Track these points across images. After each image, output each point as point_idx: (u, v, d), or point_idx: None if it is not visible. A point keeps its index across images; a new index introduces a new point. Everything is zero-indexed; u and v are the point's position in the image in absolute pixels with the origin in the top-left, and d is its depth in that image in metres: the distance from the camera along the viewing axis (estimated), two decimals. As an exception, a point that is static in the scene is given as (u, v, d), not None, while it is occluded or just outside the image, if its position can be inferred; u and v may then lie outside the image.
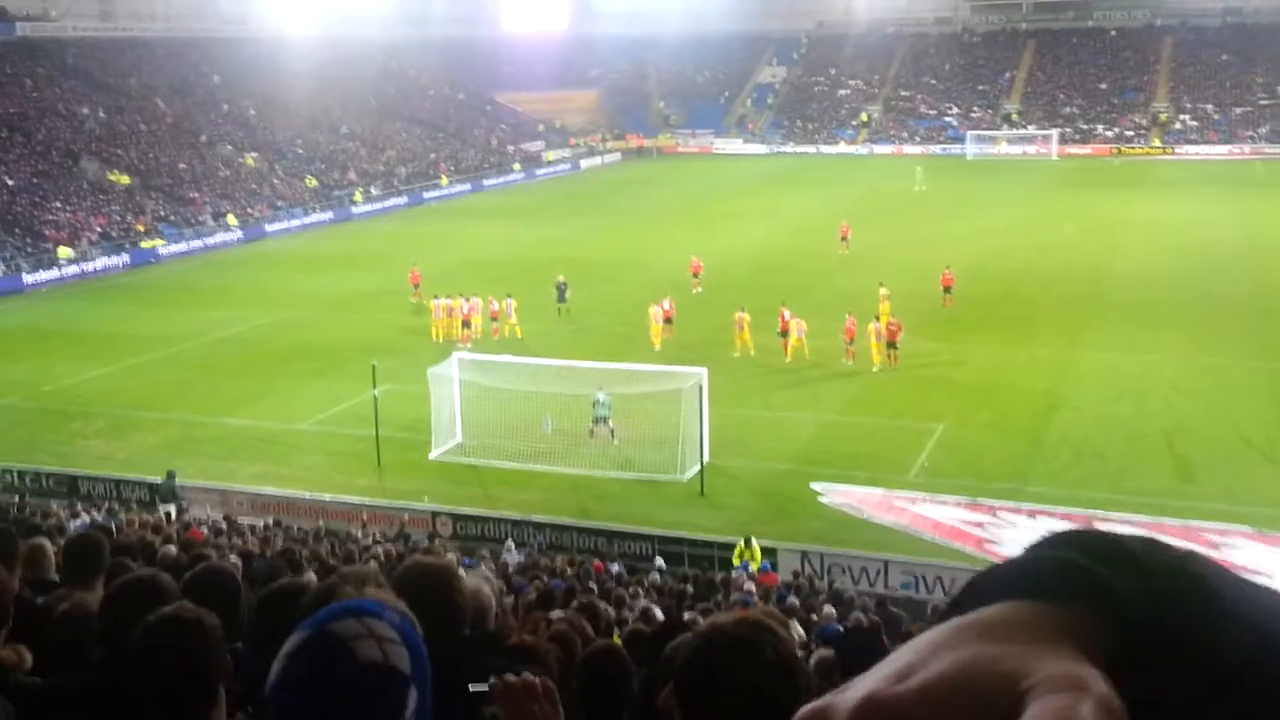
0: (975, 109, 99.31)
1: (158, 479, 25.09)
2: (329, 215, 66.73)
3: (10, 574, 5.76)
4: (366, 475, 26.63)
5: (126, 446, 28.87)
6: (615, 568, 20.03)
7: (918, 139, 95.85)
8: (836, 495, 24.63)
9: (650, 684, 4.98)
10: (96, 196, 59.49)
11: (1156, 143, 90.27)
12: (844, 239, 49.59)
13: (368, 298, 43.35)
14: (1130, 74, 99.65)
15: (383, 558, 16.67)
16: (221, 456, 27.88)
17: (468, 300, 36.95)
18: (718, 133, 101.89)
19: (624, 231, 58.04)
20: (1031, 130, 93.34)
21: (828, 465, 26.03)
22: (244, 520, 22.67)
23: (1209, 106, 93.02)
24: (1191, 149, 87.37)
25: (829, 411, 29.63)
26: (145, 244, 55.69)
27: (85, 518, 20.12)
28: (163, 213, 60.12)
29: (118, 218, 57.81)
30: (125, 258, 53.90)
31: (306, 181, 70.85)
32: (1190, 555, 0.74)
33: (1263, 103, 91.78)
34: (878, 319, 33.29)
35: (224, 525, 21.10)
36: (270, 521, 22.88)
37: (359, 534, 22.07)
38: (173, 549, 13.34)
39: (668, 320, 35.69)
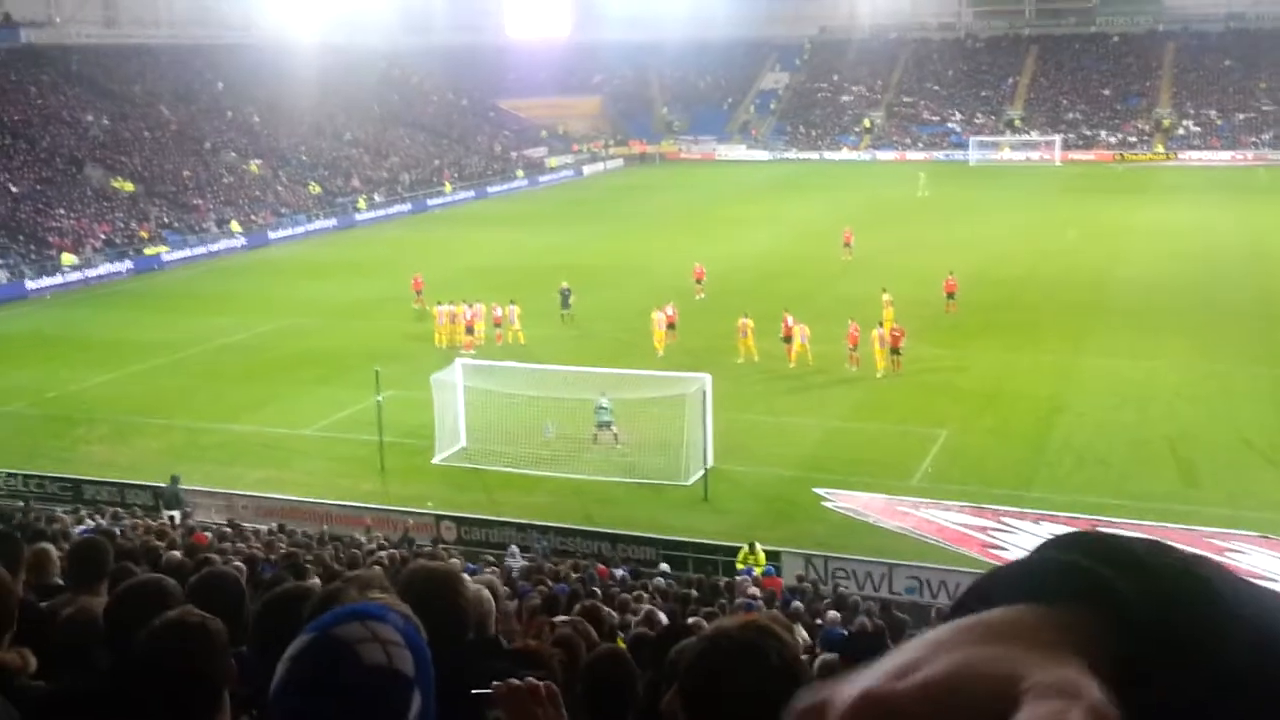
0: (978, 115, 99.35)
1: (162, 484, 25.12)
2: (333, 222, 66.80)
3: (14, 578, 5.77)
4: (370, 480, 26.66)
5: (130, 452, 28.90)
6: (619, 572, 20.01)
7: (921, 145, 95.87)
8: (840, 500, 24.62)
9: (654, 688, 4.98)
10: (100, 203, 59.56)
11: (1159, 148, 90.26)
12: (847, 245, 49.60)
13: (371, 304, 43.38)
14: (1133, 80, 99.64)
15: (387, 562, 16.66)
16: (225, 462, 27.91)
17: (471, 306, 36.98)
18: (721, 139, 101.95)
19: (627, 238, 58.07)
20: (1034, 136, 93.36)
21: (831, 470, 26.02)
22: (248, 525, 22.68)
23: (1212, 112, 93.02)
24: (1194, 155, 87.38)
25: (833, 417, 29.62)
26: (149, 250, 55.75)
27: (89, 523, 20.12)
28: (166, 219, 60.19)
29: (121, 224, 57.89)
30: (129, 264, 53.96)
31: (310, 188, 70.94)
32: (1196, 558, 0.73)
33: (1266, 108, 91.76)
34: (881, 325, 33.31)
35: (228, 530, 21.11)
36: (274, 526, 22.87)
37: (363, 539, 22.07)
38: (177, 554, 13.35)
39: (671, 326, 35.71)
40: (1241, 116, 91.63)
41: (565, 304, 39.14)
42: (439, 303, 37.79)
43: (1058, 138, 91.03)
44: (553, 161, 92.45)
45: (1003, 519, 23.34)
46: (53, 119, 67.32)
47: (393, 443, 27.06)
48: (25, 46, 73.42)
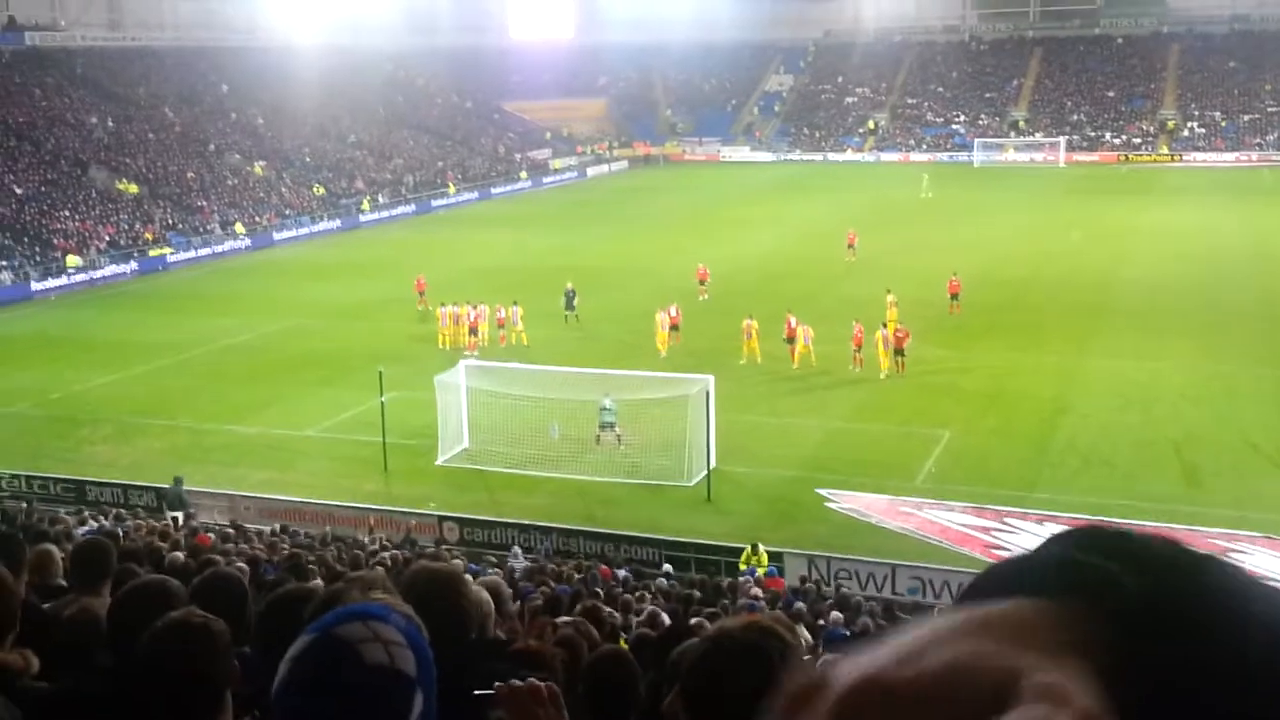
0: (983, 116, 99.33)
1: (165, 485, 25.14)
2: (337, 223, 66.85)
3: (16, 579, 5.78)
4: (373, 481, 26.67)
5: (133, 453, 28.94)
6: (622, 573, 20.01)
7: (925, 146, 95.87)
8: (843, 501, 24.61)
9: (657, 688, 4.98)
10: (105, 205, 59.64)
11: (1164, 150, 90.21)
12: (850, 246, 49.59)
13: (375, 306, 43.41)
14: (1137, 81, 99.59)
15: (389, 563, 16.67)
16: (229, 463, 27.93)
17: (475, 308, 37.00)
18: (725, 141, 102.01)
19: (631, 239, 58.09)
20: (1039, 138, 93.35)
21: (834, 471, 26.01)
22: (251, 526, 22.70)
23: (1216, 114, 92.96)
24: (1199, 156, 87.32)
25: (836, 418, 29.61)
26: (153, 252, 55.81)
27: (92, 524, 20.14)
28: (171, 221, 60.26)
29: (126, 226, 57.96)
30: (133, 265, 54.03)
31: (314, 190, 71.00)
32: (1205, 554, 0.73)
33: (1270, 110, 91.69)
34: (885, 326, 33.31)
35: (231, 531, 21.12)
36: (277, 527, 22.88)
37: (366, 539, 22.09)
38: (180, 555, 13.36)
39: (674, 327, 35.72)
40: (1246, 118, 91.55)
41: (570, 305, 39.14)
42: (442, 304, 37.83)
43: (1062, 139, 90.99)
44: (557, 163, 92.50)
45: (1005, 519, 23.32)
46: (57, 121, 67.44)
47: (396, 444, 27.09)
48: (30, 49, 73.56)
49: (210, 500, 25.40)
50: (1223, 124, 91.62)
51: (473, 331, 36.38)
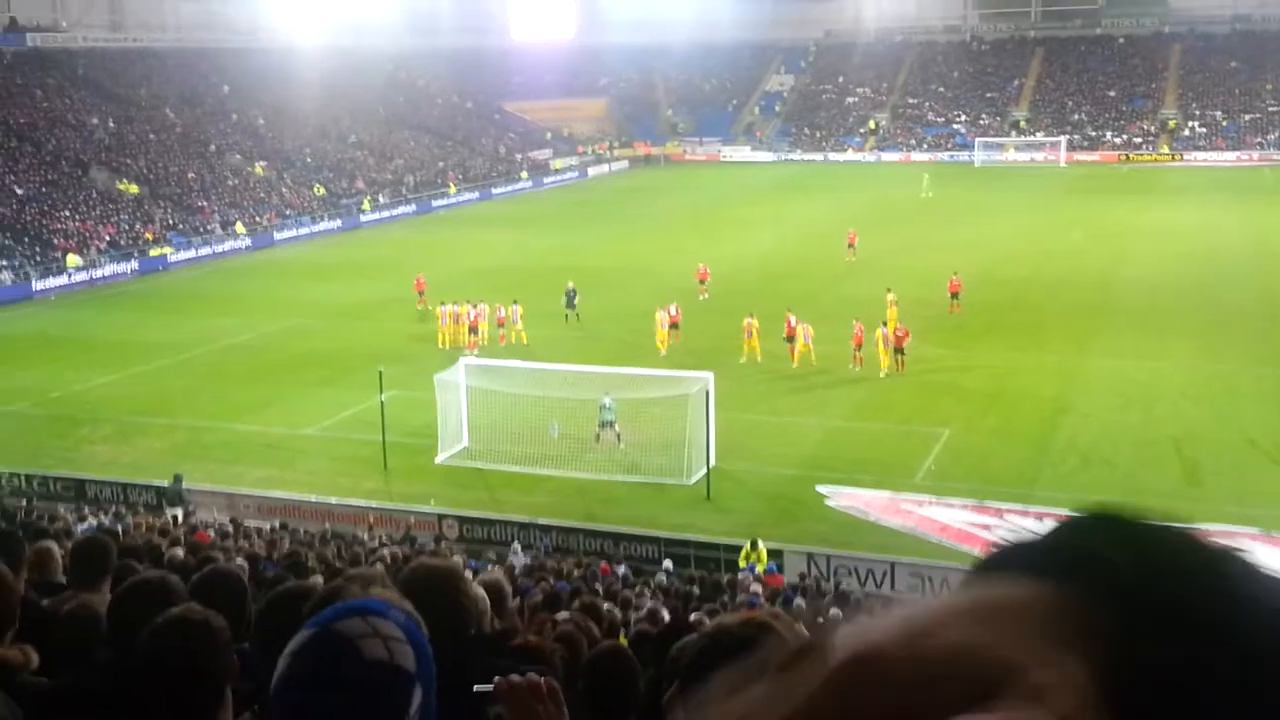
0: (984, 116, 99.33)
1: (165, 483, 25.16)
2: (337, 223, 66.85)
3: (16, 576, 5.78)
4: (373, 479, 26.68)
5: (133, 452, 28.94)
6: (621, 569, 20.04)
7: (926, 146, 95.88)
8: (843, 498, 24.61)
9: (656, 684, 4.98)
10: (105, 206, 59.66)
11: (1165, 149, 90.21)
12: (851, 246, 49.59)
13: (375, 306, 43.42)
14: (1139, 81, 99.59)
15: (389, 560, 16.68)
16: (228, 461, 27.95)
17: (475, 307, 37.02)
18: (725, 140, 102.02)
19: (631, 239, 58.10)
20: (1039, 137, 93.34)
21: (834, 470, 26.00)
22: (251, 523, 22.72)
23: (1217, 113, 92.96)
24: (1200, 155, 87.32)
25: (835, 417, 29.61)
26: (154, 252, 55.81)
27: (92, 521, 20.17)
28: (171, 221, 60.27)
29: (126, 227, 57.97)
30: (134, 265, 54.03)
31: (315, 190, 71.00)
32: (1225, 554, 0.72)
33: (1271, 109, 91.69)
34: (885, 325, 33.33)
35: (231, 528, 21.14)
36: (277, 524, 22.92)
37: (365, 537, 22.12)
38: (180, 552, 13.38)
39: (674, 326, 35.73)
40: (1247, 117, 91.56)
41: (570, 304, 39.15)
42: (442, 303, 37.83)
43: (1063, 139, 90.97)
44: (557, 163, 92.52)
45: (1005, 516, 23.32)
46: (58, 122, 67.47)
47: (395, 442, 27.09)
48: (31, 50, 73.61)
49: (210, 498, 25.45)
50: (1224, 123, 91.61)
51: (473, 330, 36.40)
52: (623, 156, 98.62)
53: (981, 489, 24.59)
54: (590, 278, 43.04)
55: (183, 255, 56.56)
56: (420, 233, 64.02)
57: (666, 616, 12.77)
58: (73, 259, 52.32)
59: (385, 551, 18.70)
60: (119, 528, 18.54)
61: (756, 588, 18.05)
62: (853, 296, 39.35)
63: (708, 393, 25.52)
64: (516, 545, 22.61)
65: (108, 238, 55.98)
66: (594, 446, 27.21)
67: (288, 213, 66.19)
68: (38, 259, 52.12)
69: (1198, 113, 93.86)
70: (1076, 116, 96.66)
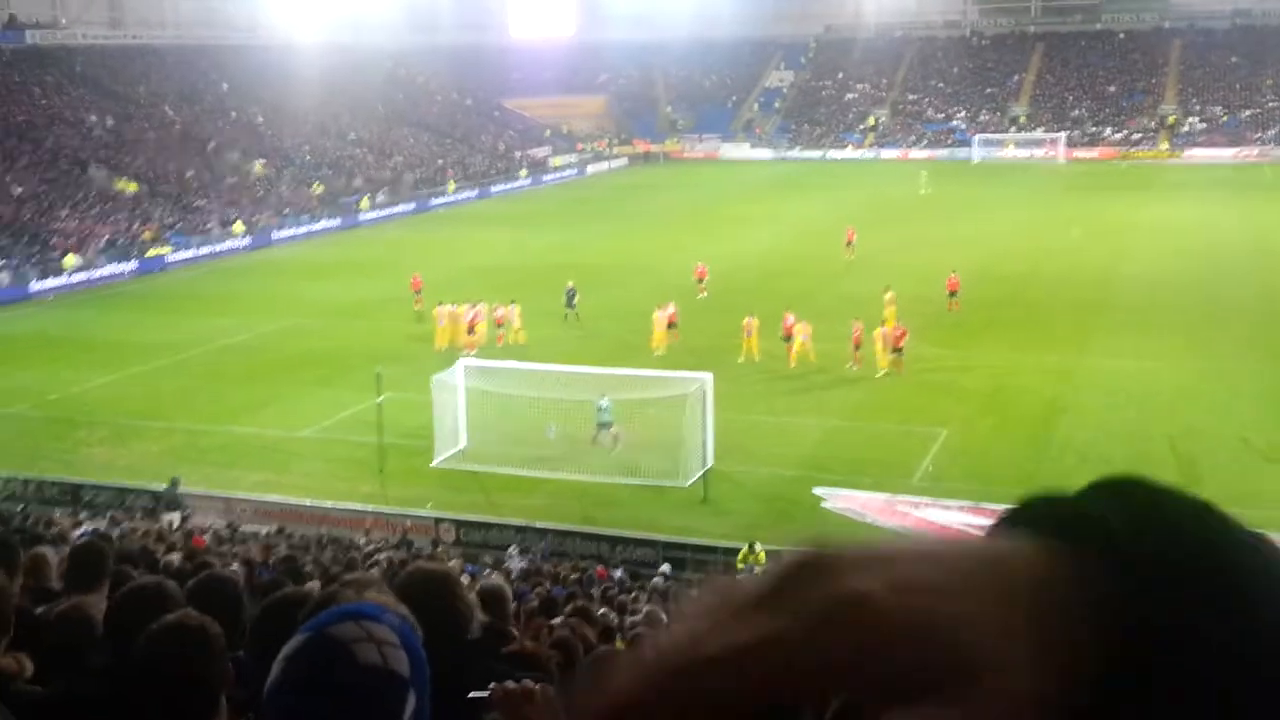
0: (983, 112, 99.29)
1: (161, 487, 25.13)
2: (336, 222, 66.76)
3: (11, 582, 5.79)
4: (369, 482, 26.64)
5: (130, 454, 28.90)
6: (617, 573, 20.02)
7: (925, 143, 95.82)
8: (839, 500, 24.60)
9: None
10: (104, 204, 59.60)
11: (1164, 145, 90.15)
12: (849, 244, 49.54)
13: (374, 305, 43.37)
14: (1139, 77, 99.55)
15: (385, 564, 16.67)
16: (225, 464, 27.90)
17: (473, 306, 36.95)
18: (725, 137, 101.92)
19: (630, 237, 58.04)
20: (1039, 133, 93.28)
21: (832, 470, 25.98)
22: (247, 528, 22.71)
23: (1217, 109, 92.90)
24: (1199, 152, 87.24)
25: (833, 416, 29.59)
26: (152, 252, 55.76)
27: (88, 526, 20.14)
28: (170, 220, 60.21)
29: (124, 225, 57.90)
30: (132, 265, 53.99)
31: (313, 188, 70.94)
32: (1241, 539, 0.70)
33: (1271, 105, 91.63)
34: (884, 324, 33.30)
35: (227, 533, 21.13)
36: (273, 529, 22.90)
37: (362, 541, 22.10)
38: (175, 557, 13.37)
39: (672, 325, 35.69)
40: (1247, 113, 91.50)
41: (570, 303, 39.11)
42: (440, 303, 37.76)
43: (1062, 135, 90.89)
44: (556, 161, 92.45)
45: (1004, 518, 23.29)
46: (57, 120, 67.40)
47: (392, 444, 27.06)
48: (30, 47, 73.53)
49: (206, 502, 25.40)
50: (1223, 119, 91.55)
51: (470, 330, 36.33)
52: (622, 154, 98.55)
53: (979, 489, 24.56)
54: (589, 276, 42.99)
55: (181, 255, 56.48)
56: (419, 231, 63.93)
57: (665, 620, 12.78)
58: (70, 259, 52.26)
59: (381, 556, 18.68)
60: (115, 533, 18.52)
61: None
62: (851, 294, 39.31)
63: (705, 393, 25.48)
64: (513, 549, 22.59)
65: (106, 237, 55.92)
66: (591, 448, 27.18)
67: (286, 211, 66.11)
68: (36, 258, 52.07)
69: (1198, 108, 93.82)
70: (1076, 112, 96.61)
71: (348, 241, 61.76)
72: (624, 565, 21.58)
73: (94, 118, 69.41)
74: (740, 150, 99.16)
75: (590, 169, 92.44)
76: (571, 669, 5.94)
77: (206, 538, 19.54)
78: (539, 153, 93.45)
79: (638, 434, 27.04)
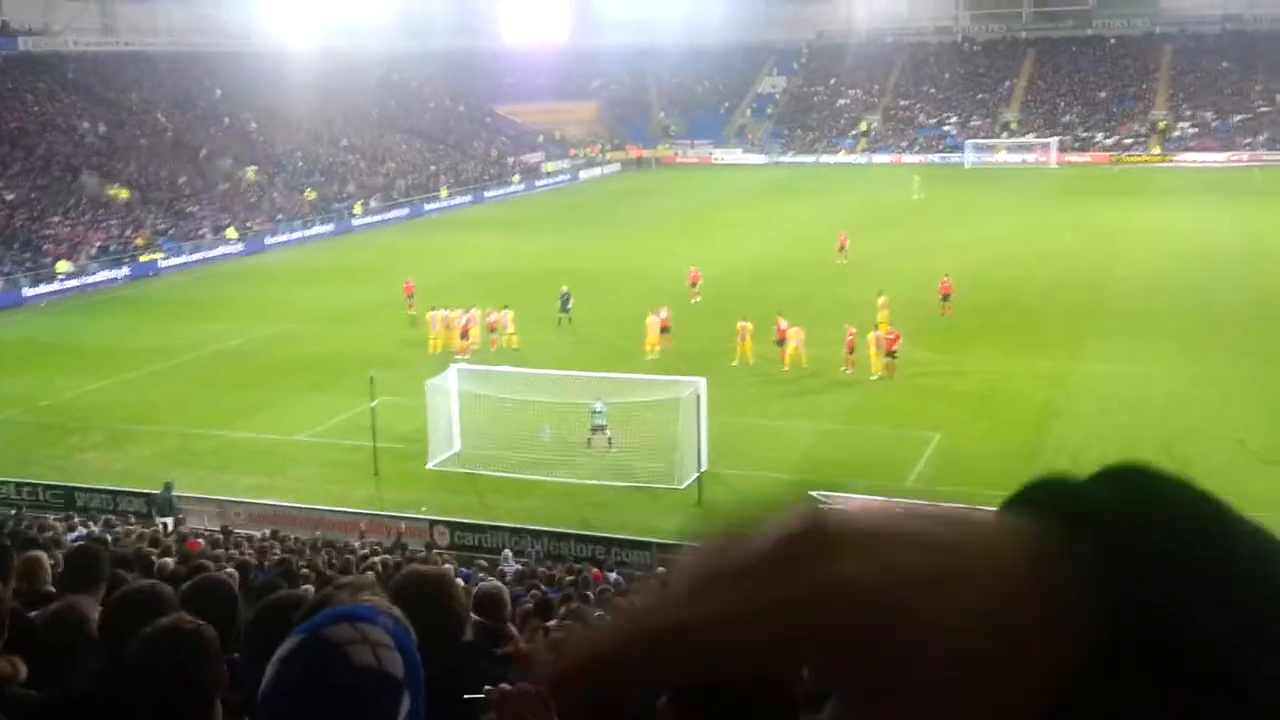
0: (975, 118, 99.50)
1: (155, 491, 25.08)
2: (329, 228, 66.72)
3: (5, 586, 5.76)
4: (364, 486, 26.63)
5: (124, 459, 28.85)
6: (614, 575, 19.99)
7: (917, 148, 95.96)
8: (834, 503, 24.55)
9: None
10: (96, 211, 59.52)
11: (1156, 150, 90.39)
12: (842, 249, 49.60)
13: (367, 310, 43.33)
14: (1130, 82, 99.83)
15: (380, 567, 16.64)
16: (218, 469, 27.86)
17: (466, 311, 36.96)
18: (717, 143, 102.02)
19: (623, 242, 58.07)
20: (1031, 139, 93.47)
21: (825, 474, 25.98)
22: (241, 531, 22.65)
23: (1208, 114, 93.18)
24: (1190, 156, 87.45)
25: (827, 420, 29.61)
26: (145, 257, 55.68)
27: (81, 530, 20.09)
28: (162, 226, 60.12)
29: (117, 232, 57.83)
30: (125, 271, 53.91)
31: (306, 194, 70.86)
32: (1233, 528, 0.71)
33: (1262, 110, 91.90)
34: (877, 328, 33.35)
35: (221, 536, 21.08)
36: (267, 532, 22.85)
37: (356, 544, 22.06)
38: (170, 561, 13.34)
39: (665, 329, 35.71)
40: (1238, 118, 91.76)
41: (564, 308, 39.12)
42: (432, 308, 37.75)
43: (1054, 140, 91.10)
44: (549, 166, 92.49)
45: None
46: (49, 126, 67.30)
47: (386, 448, 27.05)
48: (22, 54, 73.44)
49: (200, 505, 25.36)
50: (1214, 124, 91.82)
51: (464, 335, 36.34)
52: (614, 159, 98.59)
53: (972, 492, 24.56)
54: (582, 281, 43.00)
55: (174, 260, 56.42)
56: (412, 237, 63.90)
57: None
58: (63, 265, 52.18)
59: (376, 559, 18.65)
60: (109, 536, 18.48)
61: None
62: (844, 299, 39.37)
63: (699, 397, 25.52)
64: (508, 552, 22.58)
65: (98, 243, 55.84)
66: (585, 451, 27.20)
67: (279, 217, 66.06)
68: (28, 265, 51.98)
69: (1188, 113, 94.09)
70: (1067, 118, 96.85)
71: (341, 247, 61.72)
72: (619, 568, 21.54)
73: (86, 124, 69.31)
74: (733, 156, 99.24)
75: (583, 174, 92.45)
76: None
77: (201, 541, 19.50)
78: (532, 158, 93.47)
79: (632, 437, 27.07)
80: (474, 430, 27.41)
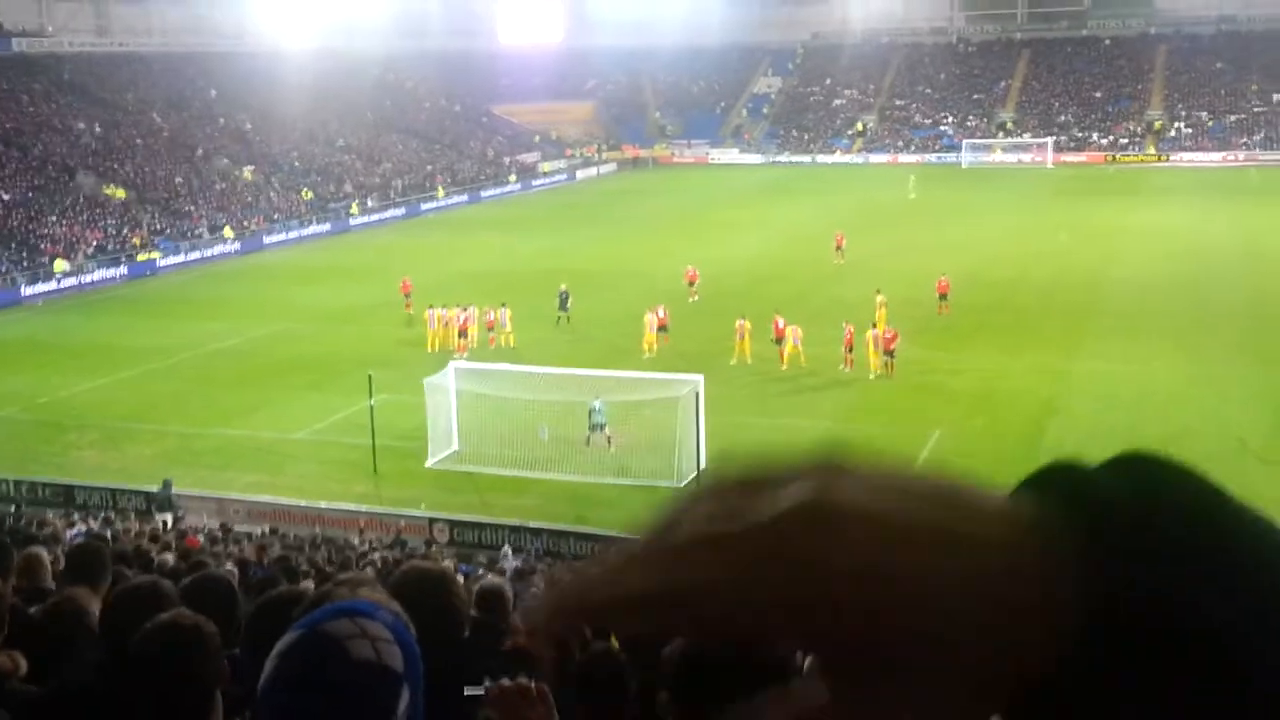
0: (970, 118, 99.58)
1: (154, 488, 25.08)
2: (326, 227, 66.70)
3: (4, 582, 5.77)
4: (363, 483, 26.64)
5: (122, 458, 28.84)
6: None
7: (913, 148, 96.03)
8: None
9: (648, 687, 4.98)
10: (92, 211, 59.49)
11: (1151, 150, 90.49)
12: (839, 248, 49.62)
13: (364, 310, 43.31)
14: (1125, 82, 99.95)
15: (379, 564, 16.66)
16: (217, 467, 27.86)
17: (464, 310, 36.98)
18: (713, 143, 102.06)
19: (620, 242, 58.07)
20: (1026, 139, 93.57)
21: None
22: (240, 528, 22.66)
23: (1203, 114, 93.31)
24: (1186, 156, 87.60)
25: (825, 418, 29.61)
26: (142, 257, 55.66)
27: (81, 527, 20.11)
28: (159, 226, 60.11)
29: (113, 231, 57.80)
30: (122, 270, 53.89)
31: (303, 194, 70.83)
32: (1236, 523, 0.69)
33: (1257, 109, 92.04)
34: (875, 326, 33.38)
35: (220, 533, 21.09)
36: (267, 529, 22.87)
37: (356, 541, 22.08)
38: (170, 557, 13.35)
39: (662, 328, 35.73)
40: (1233, 118, 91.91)
41: (563, 306, 39.14)
42: (430, 307, 37.76)
43: (1049, 140, 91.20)
44: (546, 166, 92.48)
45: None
46: (45, 127, 67.24)
47: (385, 446, 27.06)
48: (17, 55, 73.37)
49: (199, 503, 25.36)
50: (1209, 124, 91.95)
51: (461, 334, 36.36)
52: (611, 159, 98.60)
53: (971, 490, 24.61)
54: (579, 280, 43.00)
55: (171, 260, 56.41)
56: (409, 236, 63.89)
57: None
58: (60, 264, 52.15)
59: (376, 555, 18.67)
60: (109, 533, 18.50)
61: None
62: (841, 298, 39.39)
63: (697, 395, 25.54)
64: (507, 549, 22.61)
65: (95, 243, 55.82)
66: (584, 449, 27.21)
67: (276, 217, 66.04)
68: (25, 264, 51.95)
69: (1184, 113, 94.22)
70: (1063, 118, 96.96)
71: (338, 246, 61.71)
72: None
73: (82, 125, 69.26)
74: (729, 156, 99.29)
75: (579, 174, 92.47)
76: (566, 666, 5.94)
77: (200, 538, 19.51)
78: (528, 158, 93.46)
79: (630, 435, 27.08)
80: (473, 428, 27.43)
